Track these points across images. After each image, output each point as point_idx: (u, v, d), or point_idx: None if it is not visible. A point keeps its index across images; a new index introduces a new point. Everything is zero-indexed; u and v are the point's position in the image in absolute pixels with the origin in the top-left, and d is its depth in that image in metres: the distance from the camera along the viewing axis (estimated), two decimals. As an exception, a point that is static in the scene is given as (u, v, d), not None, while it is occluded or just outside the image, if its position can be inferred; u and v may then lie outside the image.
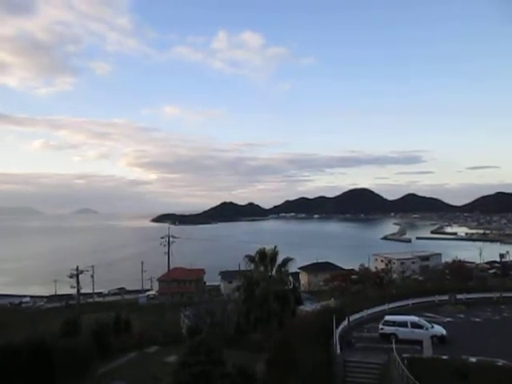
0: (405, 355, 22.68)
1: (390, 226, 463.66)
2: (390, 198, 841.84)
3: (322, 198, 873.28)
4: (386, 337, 29.23)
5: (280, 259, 44.71)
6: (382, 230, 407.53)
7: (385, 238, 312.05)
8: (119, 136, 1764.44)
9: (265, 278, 42.88)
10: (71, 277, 63.71)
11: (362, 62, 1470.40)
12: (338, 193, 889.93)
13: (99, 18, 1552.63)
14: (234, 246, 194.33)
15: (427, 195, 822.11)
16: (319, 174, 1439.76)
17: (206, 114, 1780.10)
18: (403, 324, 29.95)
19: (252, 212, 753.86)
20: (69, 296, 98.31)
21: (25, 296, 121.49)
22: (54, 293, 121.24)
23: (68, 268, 66.94)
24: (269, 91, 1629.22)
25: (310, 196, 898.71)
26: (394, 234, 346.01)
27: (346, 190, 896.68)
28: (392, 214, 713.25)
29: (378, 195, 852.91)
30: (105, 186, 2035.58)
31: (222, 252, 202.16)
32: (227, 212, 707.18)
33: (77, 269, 63.48)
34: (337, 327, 28.52)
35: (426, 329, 29.42)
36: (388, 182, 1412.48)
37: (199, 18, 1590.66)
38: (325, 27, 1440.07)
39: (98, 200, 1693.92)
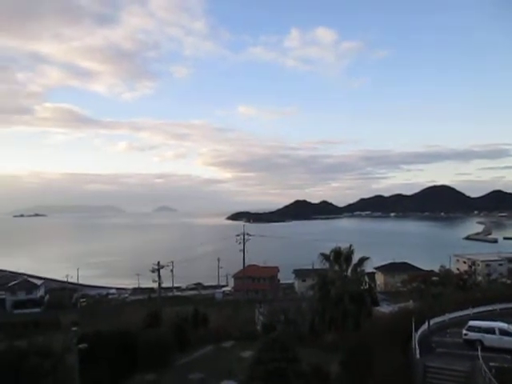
0: (492, 364, 21.34)
1: (474, 225, 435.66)
2: (473, 195, 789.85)
3: (399, 195, 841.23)
4: (471, 343, 27.55)
5: (355, 258, 44.00)
6: (464, 229, 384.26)
7: (467, 238, 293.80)
8: (196, 136, 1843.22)
9: (340, 278, 42.38)
10: (153, 271, 67.10)
11: (440, 53, 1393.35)
12: (415, 190, 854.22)
13: (177, 24, 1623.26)
14: (307, 244, 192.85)
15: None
16: (395, 171, 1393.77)
17: (279, 112, 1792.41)
18: (490, 330, 28.00)
19: (325, 210, 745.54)
20: (151, 289, 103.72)
21: (111, 288, 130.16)
22: (137, 286, 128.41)
23: (150, 263, 70.56)
24: (342, 87, 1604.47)
25: (386, 194, 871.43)
26: (477, 234, 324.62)
27: (424, 187, 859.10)
28: (475, 212, 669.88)
29: (459, 192, 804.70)
30: (182, 185, 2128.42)
31: (295, 250, 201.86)
32: (300, 210, 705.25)
33: (158, 264, 66.69)
34: (416, 330, 27.45)
35: (517, 336, 27.34)
36: (471, 179, 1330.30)
37: (272, 17, 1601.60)
38: (400, 18, 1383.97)
39: (176, 198, 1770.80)
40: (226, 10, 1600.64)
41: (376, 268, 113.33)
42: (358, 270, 43.82)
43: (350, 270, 43.64)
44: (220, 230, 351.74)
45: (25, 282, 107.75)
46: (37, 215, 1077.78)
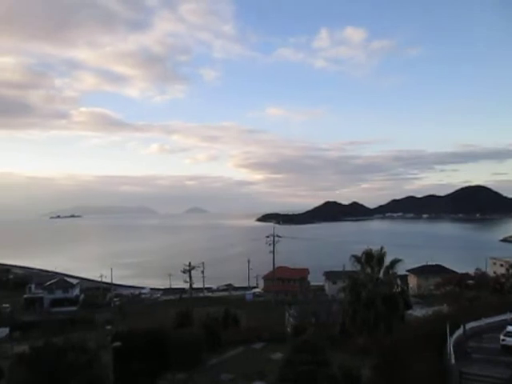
0: (532, 371, 20.58)
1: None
2: (511, 195, 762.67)
3: (432, 196, 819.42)
4: (509, 349, 26.69)
5: (387, 261, 43.26)
6: (501, 231, 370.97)
7: (505, 240, 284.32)
8: (227, 138, 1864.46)
9: (372, 280, 41.76)
10: (184, 272, 68.12)
11: (472, 51, 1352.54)
12: (449, 191, 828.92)
13: (206, 28, 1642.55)
14: (338, 246, 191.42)
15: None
16: (428, 172, 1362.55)
17: (308, 113, 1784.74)
18: (530, 336, 27.08)
19: (356, 212, 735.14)
20: (182, 290, 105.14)
21: (143, 288, 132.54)
22: (168, 286, 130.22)
23: (181, 263, 71.70)
24: (372, 87, 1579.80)
25: (419, 195, 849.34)
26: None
27: (458, 187, 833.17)
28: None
29: (496, 193, 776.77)
30: (213, 187, 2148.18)
31: (325, 252, 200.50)
32: (331, 212, 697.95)
33: (189, 265, 67.59)
34: (451, 335, 26.79)
35: (558, 343, 26.27)
36: (508, 178, 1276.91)
37: (301, 18, 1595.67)
38: (431, 16, 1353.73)
39: (207, 200, 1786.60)
40: (254, 12, 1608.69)
41: (408, 270, 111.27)
42: (390, 272, 43.06)
43: (381, 273, 42.94)
44: (250, 232, 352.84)
45: (62, 282, 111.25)
46: (72, 216, 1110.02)
